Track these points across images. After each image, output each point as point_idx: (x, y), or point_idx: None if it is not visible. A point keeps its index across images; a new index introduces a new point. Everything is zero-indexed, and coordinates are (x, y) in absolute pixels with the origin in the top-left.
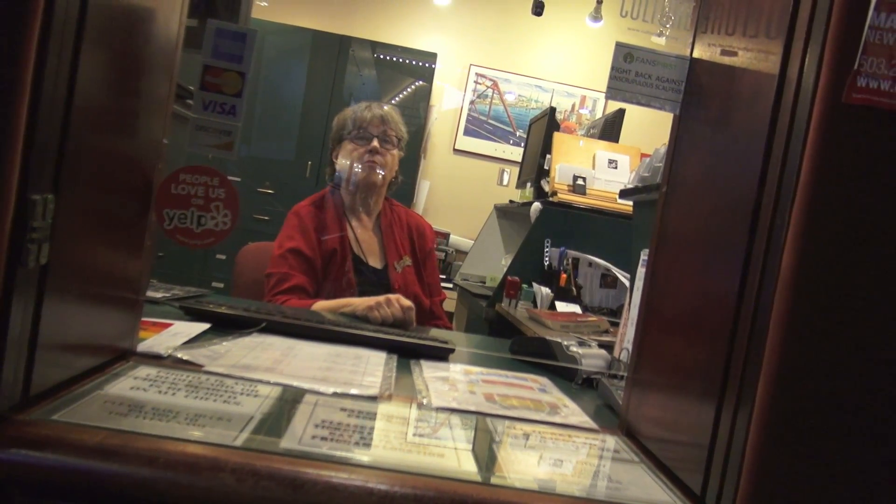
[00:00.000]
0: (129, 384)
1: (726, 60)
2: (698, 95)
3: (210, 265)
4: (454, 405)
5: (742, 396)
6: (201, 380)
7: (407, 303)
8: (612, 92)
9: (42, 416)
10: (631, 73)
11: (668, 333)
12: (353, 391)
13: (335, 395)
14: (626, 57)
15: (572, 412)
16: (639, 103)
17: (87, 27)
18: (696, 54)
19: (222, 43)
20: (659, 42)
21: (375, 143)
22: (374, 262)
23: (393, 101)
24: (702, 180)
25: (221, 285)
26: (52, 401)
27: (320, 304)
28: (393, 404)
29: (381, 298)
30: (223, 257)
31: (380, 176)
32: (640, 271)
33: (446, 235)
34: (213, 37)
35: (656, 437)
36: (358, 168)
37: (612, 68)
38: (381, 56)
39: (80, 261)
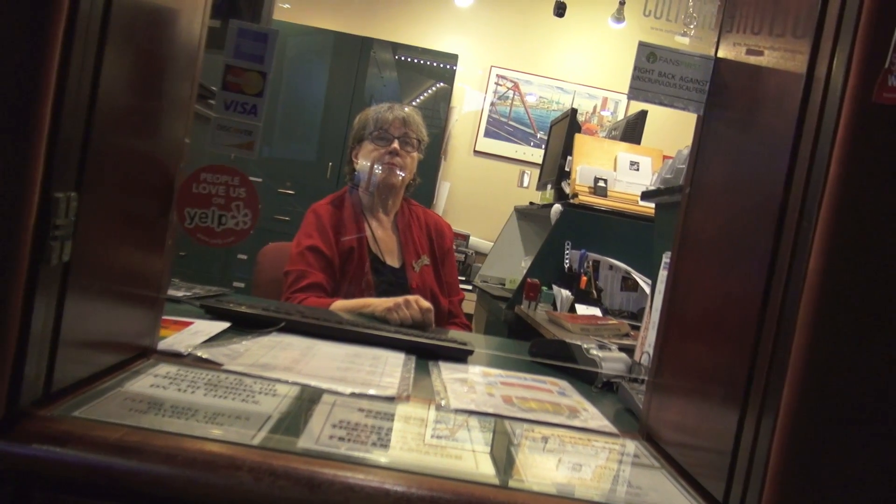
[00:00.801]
0: (149, 382)
1: (752, 60)
2: (722, 96)
3: (231, 265)
4: (472, 407)
5: (766, 401)
6: (220, 378)
7: (426, 304)
8: (635, 92)
9: (63, 412)
10: (654, 73)
11: (690, 337)
12: (371, 392)
13: (353, 395)
14: (648, 56)
15: (592, 416)
16: (661, 104)
17: (110, 26)
18: (720, 54)
19: (244, 43)
20: (683, 42)
21: (396, 144)
22: (392, 261)
23: (414, 103)
24: (726, 182)
25: (242, 285)
26: (73, 397)
27: (339, 304)
28: (411, 405)
29: (399, 300)
30: (244, 257)
31: (399, 177)
32: (662, 274)
33: (466, 237)
34: (235, 37)
35: (677, 442)
36: (378, 169)
37: (635, 68)
38: (402, 58)
39: (102, 259)
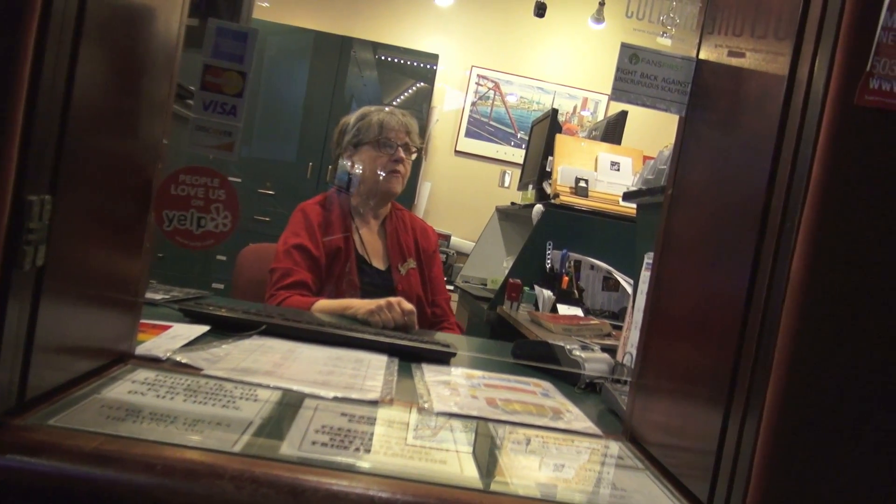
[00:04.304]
0: (126, 388)
1: (734, 62)
2: (705, 97)
3: (210, 266)
4: (456, 410)
5: (750, 402)
6: (200, 384)
7: (409, 306)
8: (617, 93)
9: (38, 420)
10: (636, 75)
11: (674, 338)
12: (354, 396)
13: (335, 399)
14: (631, 58)
15: (575, 417)
16: (644, 105)
17: (85, 25)
18: (702, 55)
19: (223, 42)
20: (665, 43)
21: (401, 152)
22: (378, 263)
23: (394, 103)
24: (708, 183)
25: (222, 286)
26: (48, 405)
27: (322, 304)
28: (394, 409)
29: (382, 302)
30: (224, 258)
31: (401, 185)
32: (644, 274)
33: (447, 237)
34: (214, 36)
35: (661, 443)
36: (381, 175)
37: (618, 69)
38: (383, 57)
39: (77, 262)
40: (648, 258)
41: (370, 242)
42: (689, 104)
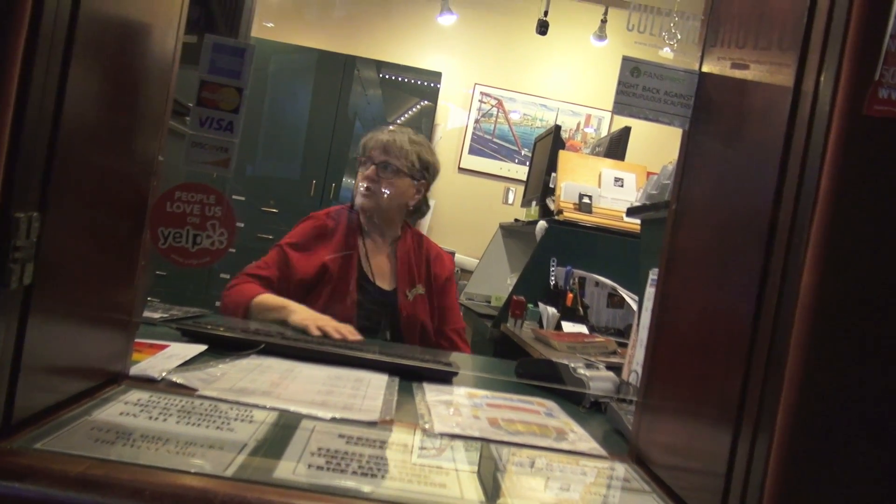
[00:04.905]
0: (118, 409)
1: (737, 74)
2: (708, 111)
3: (213, 284)
4: (457, 431)
5: (761, 421)
6: (195, 405)
7: (355, 338)
8: (619, 107)
9: (24, 444)
10: (638, 88)
11: (680, 356)
12: (353, 416)
13: (333, 420)
14: (633, 71)
15: (580, 438)
16: (646, 118)
17: (77, 40)
18: (705, 68)
19: (220, 58)
20: (667, 56)
21: (371, 170)
22: (384, 283)
23: (398, 121)
24: (713, 197)
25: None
26: (35, 427)
27: (262, 298)
28: (394, 430)
29: (329, 328)
30: (227, 276)
31: (370, 202)
32: (649, 291)
33: (451, 254)
34: (210, 52)
35: (668, 464)
36: (359, 191)
37: (619, 83)
38: (386, 76)
39: (68, 281)
40: (653, 274)
41: (377, 261)
42: (692, 118)
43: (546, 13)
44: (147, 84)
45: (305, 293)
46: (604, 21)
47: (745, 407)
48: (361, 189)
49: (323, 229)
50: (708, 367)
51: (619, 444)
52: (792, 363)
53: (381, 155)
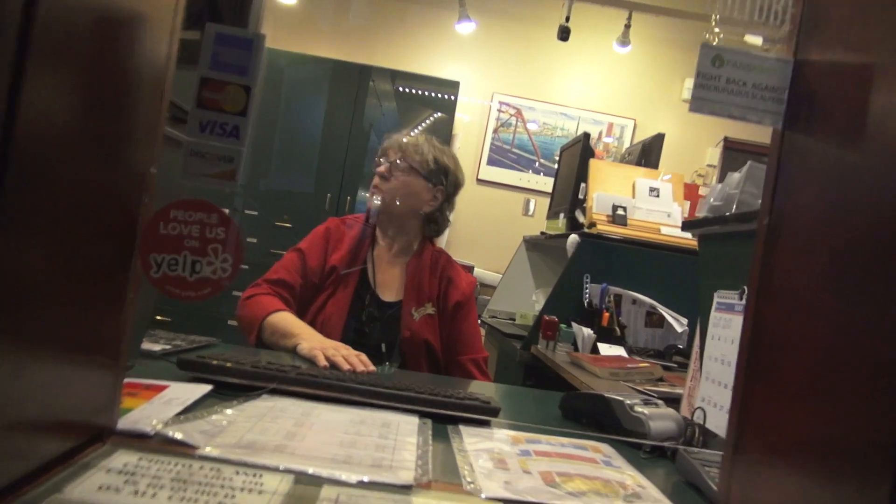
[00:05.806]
0: (97, 481)
1: (853, 59)
2: (810, 106)
3: (224, 301)
4: (509, 495)
5: None
6: (193, 469)
7: (368, 368)
8: (699, 103)
9: None
10: (721, 80)
11: (787, 400)
12: (384, 478)
13: (360, 484)
14: (714, 60)
15: (652, 498)
16: (731, 116)
17: (34, 38)
18: (803, 55)
19: (223, 51)
20: (755, 42)
21: (384, 167)
22: (388, 296)
23: (414, 132)
24: (825, 211)
25: (236, 323)
26: None
27: (278, 317)
28: (432, 495)
29: (339, 357)
30: (239, 294)
31: (377, 201)
32: (717, 316)
33: (470, 269)
34: (213, 44)
35: None
36: (371, 188)
37: (698, 74)
38: (402, 88)
39: (39, 321)
40: (720, 297)
41: (386, 272)
42: (788, 114)
43: (567, 19)
44: (137, 86)
45: (314, 295)
46: (627, 26)
47: (884, 462)
48: (371, 187)
49: (338, 233)
50: (830, 413)
51: (695, 499)
52: None
53: (396, 153)
